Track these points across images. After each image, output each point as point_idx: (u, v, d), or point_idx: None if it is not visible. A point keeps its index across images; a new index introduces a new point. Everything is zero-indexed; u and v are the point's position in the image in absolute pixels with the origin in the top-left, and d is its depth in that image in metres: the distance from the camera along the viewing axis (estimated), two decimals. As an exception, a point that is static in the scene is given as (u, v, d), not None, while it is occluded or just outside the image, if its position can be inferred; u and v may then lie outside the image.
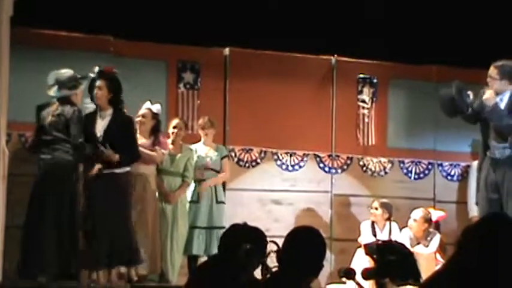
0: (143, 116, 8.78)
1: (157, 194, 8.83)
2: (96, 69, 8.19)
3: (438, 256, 9.39)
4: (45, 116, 7.90)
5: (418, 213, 9.56)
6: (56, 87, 7.91)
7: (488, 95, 7.82)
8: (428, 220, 9.57)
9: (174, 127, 9.15)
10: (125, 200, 8.00)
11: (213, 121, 9.43)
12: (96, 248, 7.76)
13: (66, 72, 7.96)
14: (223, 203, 9.20)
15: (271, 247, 4.54)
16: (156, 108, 8.86)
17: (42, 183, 7.74)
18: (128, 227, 7.97)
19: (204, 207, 9.07)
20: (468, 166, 10.77)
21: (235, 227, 4.82)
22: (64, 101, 7.86)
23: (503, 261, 2.99)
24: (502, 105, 7.79)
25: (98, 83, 8.03)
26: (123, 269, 8.09)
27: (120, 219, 7.89)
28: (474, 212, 9.93)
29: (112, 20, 9.48)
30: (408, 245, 9.02)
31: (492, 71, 7.85)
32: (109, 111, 8.05)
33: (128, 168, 8.06)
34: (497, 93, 7.84)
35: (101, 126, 8.00)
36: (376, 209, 9.72)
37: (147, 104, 8.83)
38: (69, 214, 7.65)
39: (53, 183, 7.68)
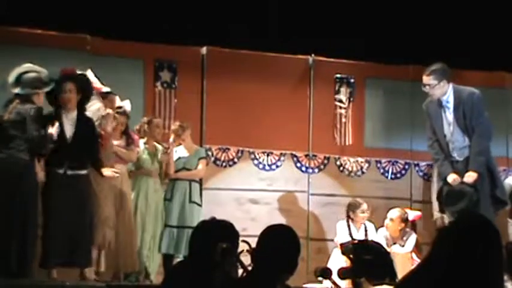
0: (121, 123, 8.74)
1: (132, 193, 8.83)
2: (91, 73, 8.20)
3: (414, 256, 9.42)
4: (5, 113, 7.73)
5: (394, 213, 9.59)
6: (20, 86, 7.75)
7: (451, 180, 7.92)
8: (405, 220, 9.60)
9: (156, 126, 9.14)
10: (88, 202, 7.97)
11: (184, 124, 9.33)
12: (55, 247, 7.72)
13: (31, 71, 7.79)
14: (198, 204, 9.12)
15: (243, 247, 4.53)
16: (128, 106, 8.82)
17: None
18: (86, 229, 7.93)
19: (176, 206, 9.02)
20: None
21: (205, 224, 4.80)
22: (25, 99, 7.68)
23: (478, 260, 3.00)
24: (450, 114, 7.91)
25: (69, 86, 7.92)
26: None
27: (81, 221, 7.88)
28: (438, 213, 9.99)
29: (89, 18, 9.45)
30: (384, 245, 9.06)
31: (427, 79, 7.93)
32: (74, 113, 7.98)
33: (86, 171, 8.03)
34: (440, 97, 7.93)
35: (68, 129, 7.92)
36: (366, 212, 9.67)
37: (127, 104, 8.78)
38: (22, 213, 7.45)
39: (5, 182, 7.55)
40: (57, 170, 7.82)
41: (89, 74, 8.36)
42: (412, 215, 9.98)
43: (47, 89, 7.80)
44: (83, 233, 7.86)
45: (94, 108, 8.39)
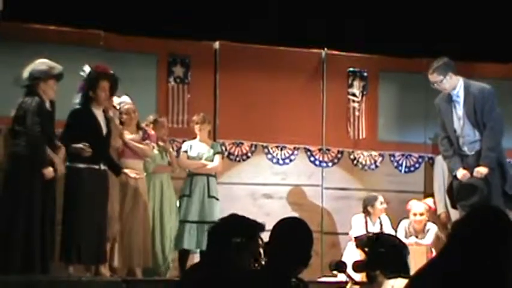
0: (133, 111, 8.77)
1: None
2: (87, 67, 8.15)
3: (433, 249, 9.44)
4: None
5: (421, 207, 9.58)
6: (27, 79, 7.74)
7: (461, 175, 7.91)
8: (428, 211, 9.67)
9: (163, 126, 9.18)
10: (107, 196, 8.02)
11: (207, 117, 9.40)
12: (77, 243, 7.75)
13: (41, 64, 7.78)
14: (216, 198, 9.14)
15: None
16: (128, 100, 8.85)
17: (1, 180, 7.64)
18: (105, 224, 8.00)
19: (196, 201, 9.02)
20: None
21: (223, 220, 4.80)
22: (29, 92, 7.65)
23: (492, 253, 3.00)
24: (460, 109, 7.90)
25: (104, 84, 7.99)
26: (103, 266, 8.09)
27: (104, 216, 7.93)
28: (442, 208, 9.97)
29: (102, 14, 9.46)
30: (403, 238, 9.07)
31: (432, 77, 7.94)
32: (101, 110, 8.06)
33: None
34: (450, 92, 7.92)
35: (103, 125, 7.99)
36: (383, 203, 9.69)
37: (126, 98, 8.79)
38: (26, 212, 7.44)
39: (8, 180, 7.57)
40: (93, 165, 7.85)
41: None
42: (430, 203, 9.97)
43: (52, 81, 7.74)
44: (103, 228, 7.92)
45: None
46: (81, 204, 7.74)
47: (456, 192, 7.99)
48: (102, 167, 7.91)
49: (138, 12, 9.69)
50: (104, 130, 7.99)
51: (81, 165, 7.80)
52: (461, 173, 7.91)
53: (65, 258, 7.75)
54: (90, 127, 7.87)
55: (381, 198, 9.73)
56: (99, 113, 7.98)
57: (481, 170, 7.82)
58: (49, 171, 7.55)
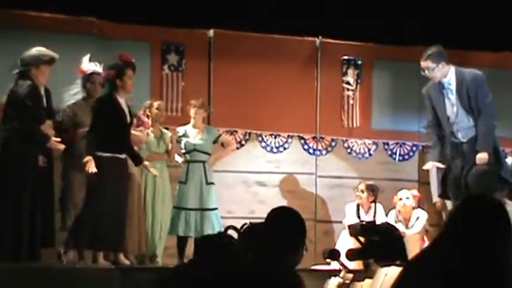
0: (129, 99, 8.75)
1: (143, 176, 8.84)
2: (87, 57, 8.10)
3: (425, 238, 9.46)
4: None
5: (407, 193, 9.63)
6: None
7: (428, 167, 8.08)
8: (414, 199, 9.71)
9: (157, 109, 9.10)
10: (128, 186, 8.00)
11: (205, 104, 9.36)
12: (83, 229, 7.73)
13: (34, 50, 7.73)
14: (214, 184, 9.12)
15: (231, 232, 4.50)
16: None
17: None
18: (125, 212, 7.97)
19: (193, 188, 8.97)
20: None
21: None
22: (21, 77, 7.59)
23: (486, 241, 3.00)
24: (453, 96, 7.90)
25: (130, 72, 7.93)
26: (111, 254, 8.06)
27: (124, 203, 7.90)
28: (437, 197, 9.99)
29: (96, 1, 9.43)
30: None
31: (425, 64, 7.91)
32: (124, 99, 7.97)
33: None
34: (441, 80, 7.92)
35: (127, 113, 7.93)
36: (362, 191, 9.72)
37: None
38: (16, 199, 7.39)
39: (3, 168, 7.52)
40: (117, 155, 7.79)
41: (85, 59, 8.35)
42: (415, 192, 10.02)
43: (43, 67, 7.67)
44: (123, 217, 7.87)
45: (72, 92, 8.40)
46: (103, 193, 7.65)
47: (467, 183, 7.95)
48: (124, 156, 7.87)
49: (132, 0, 9.65)
50: (128, 119, 7.93)
51: (106, 154, 7.68)
52: (429, 165, 8.08)
53: (79, 244, 7.71)
54: (116, 116, 7.81)
55: (360, 186, 9.76)
56: (123, 102, 7.92)
57: (482, 156, 7.81)
58: (54, 144, 7.55)
